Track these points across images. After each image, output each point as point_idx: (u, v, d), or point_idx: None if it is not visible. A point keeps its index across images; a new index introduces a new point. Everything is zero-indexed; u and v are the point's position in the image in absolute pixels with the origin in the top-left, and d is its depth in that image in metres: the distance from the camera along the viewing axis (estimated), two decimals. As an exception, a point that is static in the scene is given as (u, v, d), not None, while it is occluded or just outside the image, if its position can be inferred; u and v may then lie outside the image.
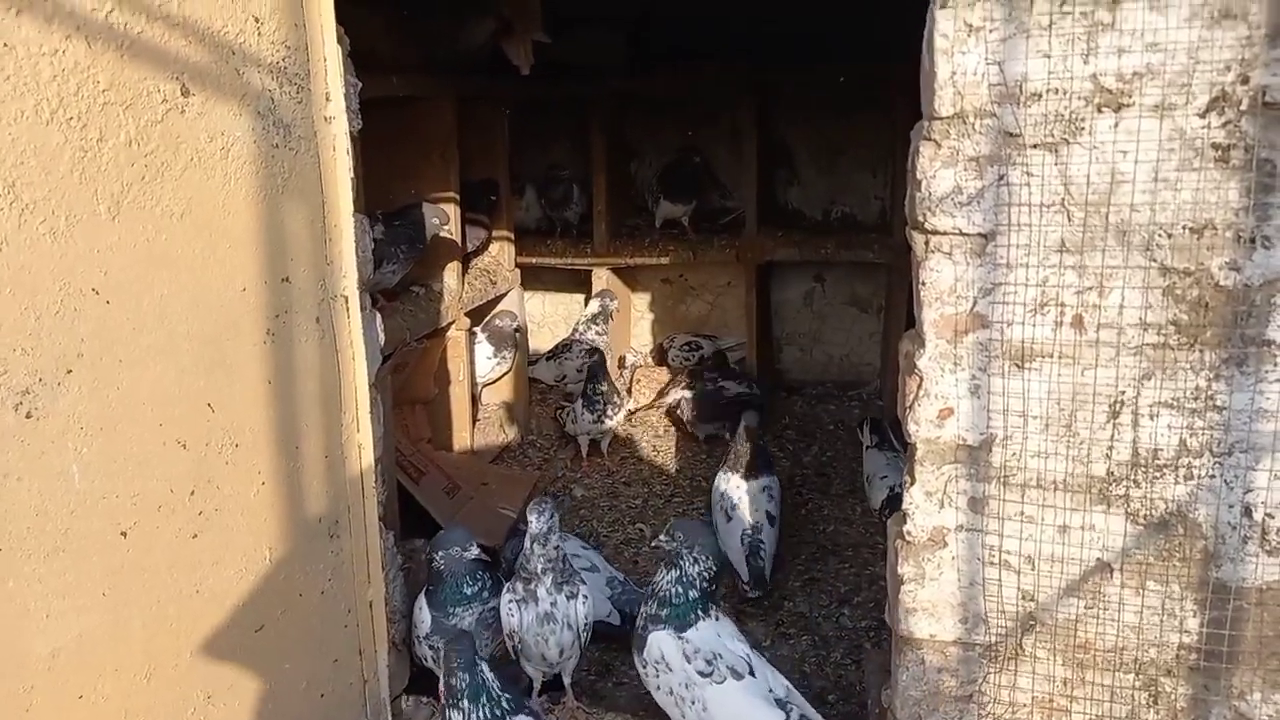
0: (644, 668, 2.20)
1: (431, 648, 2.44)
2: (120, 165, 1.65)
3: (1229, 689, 1.80)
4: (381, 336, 2.36)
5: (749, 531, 3.24)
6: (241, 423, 1.91)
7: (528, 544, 2.35)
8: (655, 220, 5.05)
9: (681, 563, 2.18)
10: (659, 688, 2.18)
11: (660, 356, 5.38)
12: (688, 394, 4.58)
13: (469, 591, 2.46)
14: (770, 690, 2.12)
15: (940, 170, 1.75)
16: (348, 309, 2.14)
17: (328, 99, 2.04)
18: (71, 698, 1.67)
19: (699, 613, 2.16)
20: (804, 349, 5.40)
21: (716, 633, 2.17)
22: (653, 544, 2.27)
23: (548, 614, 2.34)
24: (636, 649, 2.22)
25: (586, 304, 5.13)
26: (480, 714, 1.98)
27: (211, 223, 1.83)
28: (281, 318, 1.98)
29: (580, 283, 5.33)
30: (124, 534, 1.72)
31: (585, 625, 2.40)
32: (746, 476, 3.39)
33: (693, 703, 2.12)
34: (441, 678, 2.07)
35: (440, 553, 2.47)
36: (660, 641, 2.15)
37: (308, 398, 2.06)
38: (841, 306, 5.34)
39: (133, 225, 1.69)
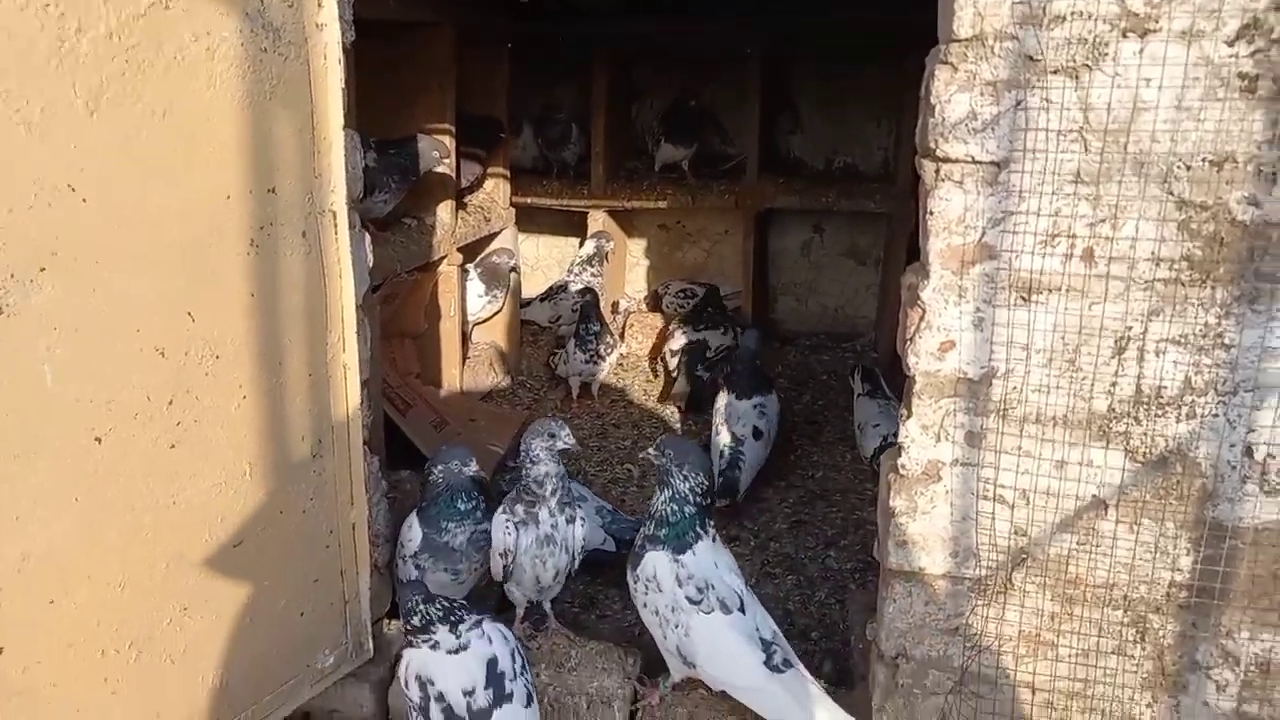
0: (635, 583, 2.19)
1: (418, 566, 2.42)
2: (100, 59, 1.57)
3: (1217, 627, 1.79)
4: (370, 258, 2.29)
5: (730, 444, 3.40)
6: (223, 334, 1.86)
7: (546, 463, 2.32)
8: (655, 163, 4.97)
9: (672, 480, 2.16)
10: (645, 605, 2.17)
11: (655, 303, 5.33)
12: (675, 346, 4.52)
13: (463, 508, 2.46)
14: (757, 629, 2.11)
15: (955, 95, 1.69)
16: (335, 225, 2.07)
17: (320, 4, 1.95)
18: (42, 603, 1.64)
19: (697, 530, 2.15)
20: (799, 299, 5.35)
21: (714, 561, 2.15)
22: (641, 456, 2.25)
23: (548, 536, 2.34)
24: (631, 565, 2.21)
25: (581, 247, 5.06)
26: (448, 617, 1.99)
27: (195, 126, 1.75)
28: (266, 229, 1.92)
29: (576, 226, 5.25)
30: (98, 439, 1.67)
31: (580, 551, 2.41)
32: (740, 396, 3.53)
33: (676, 626, 2.11)
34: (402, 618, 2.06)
35: (440, 466, 2.46)
36: (656, 560, 2.14)
37: (292, 313, 2.00)
38: (839, 258, 5.29)
39: (112, 122, 1.61)
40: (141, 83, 1.64)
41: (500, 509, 2.38)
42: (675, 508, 2.16)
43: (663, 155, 4.90)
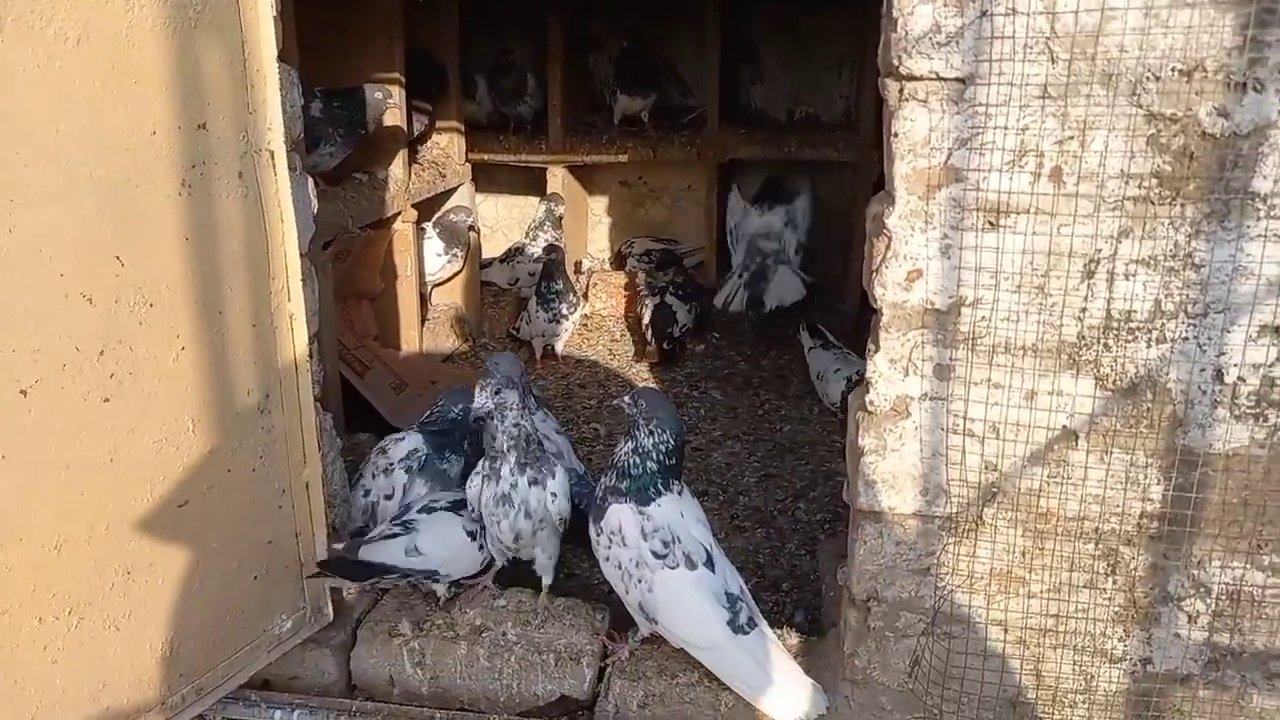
0: (598, 536, 2.12)
1: (407, 470, 2.42)
2: (2, -24, 1.46)
3: (1188, 557, 1.77)
4: (314, 203, 2.19)
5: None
6: (156, 280, 1.75)
7: (494, 420, 2.21)
8: (614, 116, 4.85)
9: (637, 434, 2.09)
10: (608, 559, 2.10)
11: (619, 262, 5.24)
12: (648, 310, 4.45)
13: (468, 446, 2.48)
14: (724, 585, 2.05)
15: (919, 6, 1.61)
16: (274, 165, 1.96)
17: (246, -75, 1.84)
18: (-31, 566, 1.54)
19: (659, 486, 2.08)
20: (764, 254, 5.28)
21: (680, 511, 2.09)
22: (613, 403, 2.17)
23: (505, 495, 2.23)
24: (594, 518, 2.14)
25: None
26: None
27: (114, 54, 1.63)
28: (199, 168, 1.81)
29: (535, 185, 5.12)
30: (23, 393, 1.57)
31: (551, 518, 2.27)
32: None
33: (639, 581, 2.05)
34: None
35: (460, 405, 2.52)
36: (620, 513, 2.07)
37: (231, 259, 1.90)
38: (803, 211, 5.22)
39: (19, 47, 1.50)
40: (51, 5, 1.52)
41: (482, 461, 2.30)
42: (637, 460, 2.08)
43: (620, 107, 4.78)
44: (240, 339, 1.94)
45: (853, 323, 4.56)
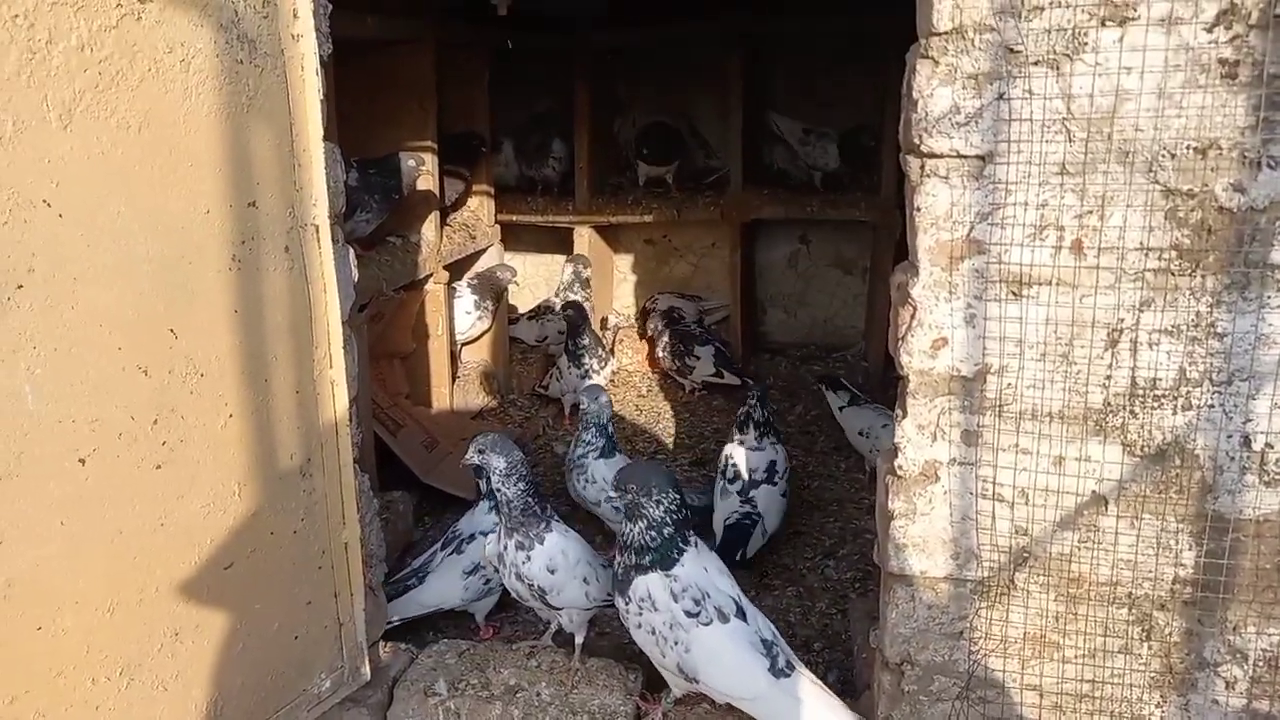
0: (626, 605, 2.13)
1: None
2: (72, 71, 1.56)
3: (1223, 622, 1.76)
4: (355, 273, 2.27)
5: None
6: (207, 351, 1.83)
7: (496, 484, 2.37)
8: (639, 179, 4.97)
9: (645, 511, 2.08)
10: (640, 626, 2.11)
11: (644, 316, 5.31)
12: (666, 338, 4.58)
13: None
14: (758, 631, 2.07)
15: (938, 89, 1.68)
16: (319, 239, 2.05)
17: (295, 15, 1.94)
18: (29, 629, 1.59)
19: (679, 546, 2.10)
20: (789, 310, 5.35)
21: (704, 566, 2.11)
22: (603, 502, 2.20)
23: (499, 555, 2.40)
24: (618, 592, 2.15)
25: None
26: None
27: (171, 139, 1.73)
28: (248, 244, 1.89)
29: (561, 243, 5.24)
30: (82, 461, 1.64)
31: (540, 584, 2.35)
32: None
33: (675, 643, 2.06)
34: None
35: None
36: (647, 581, 2.09)
37: (277, 329, 1.97)
38: (826, 269, 5.29)
39: (86, 136, 1.59)
40: (115, 95, 1.62)
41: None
42: (654, 534, 2.09)
43: (644, 172, 4.91)
44: (284, 405, 2.01)
45: (878, 380, 4.60)
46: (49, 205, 1.54)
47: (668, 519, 2.09)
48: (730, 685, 2.07)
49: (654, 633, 2.09)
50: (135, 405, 1.72)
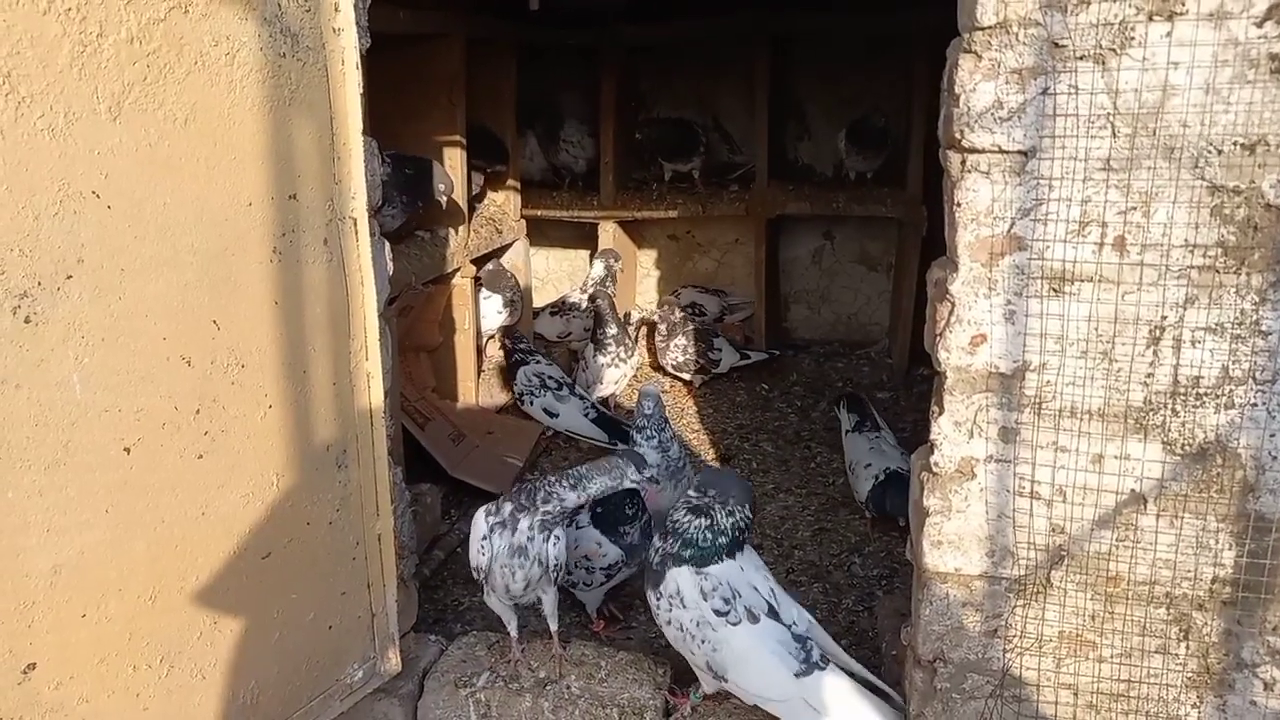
0: (657, 600, 2.14)
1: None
2: (121, 63, 1.57)
3: (1263, 623, 1.75)
4: (390, 266, 2.29)
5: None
6: (248, 343, 1.84)
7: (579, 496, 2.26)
8: (664, 174, 4.96)
9: (714, 514, 2.10)
10: (669, 622, 2.12)
11: (650, 330, 5.29)
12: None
13: (630, 512, 2.61)
14: (793, 624, 2.07)
15: (980, 84, 1.67)
16: (356, 232, 2.06)
17: (337, 9, 1.95)
18: (74, 616, 1.62)
19: (722, 557, 2.10)
20: (812, 307, 5.33)
21: (740, 565, 2.11)
22: (680, 502, 2.19)
23: (522, 547, 2.26)
24: (651, 584, 2.16)
25: (591, 260, 5.04)
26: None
27: (216, 131, 1.74)
28: (289, 236, 1.91)
29: (586, 237, 5.25)
30: (127, 450, 1.66)
31: (555, 569, 2.28)
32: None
33: (702, 641, 2.07)
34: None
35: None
36: (678, 576, 2.10)
37: (316, 322, 1.99)
38: (850, 265, 5.27)
39: (134, 128, 1.61)
40: (163, 88, 1.64)
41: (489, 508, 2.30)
42: (709, 535, 2.10)
43: (668, 169, 4.91)
44: (322, 397, 2.02)
45: (902, 378, 4.58)
46: (98, 197, 1.56)
47: (728, 530, 2.10)
48: (757, 686, 2.08)
49: (682, 629, 2.10)
50: (179, 395, 1.74)
